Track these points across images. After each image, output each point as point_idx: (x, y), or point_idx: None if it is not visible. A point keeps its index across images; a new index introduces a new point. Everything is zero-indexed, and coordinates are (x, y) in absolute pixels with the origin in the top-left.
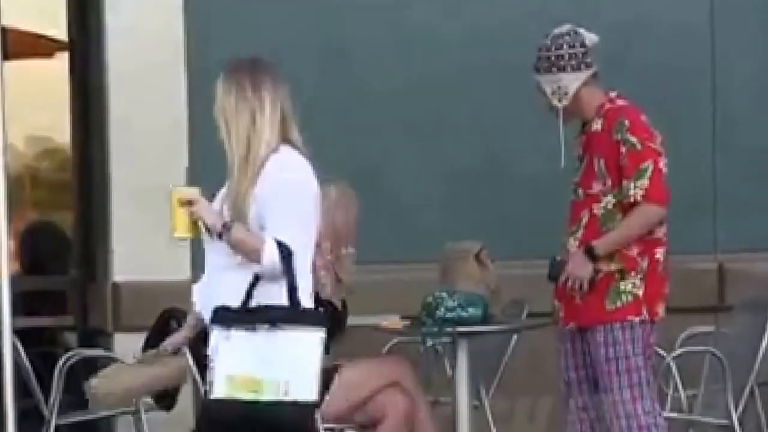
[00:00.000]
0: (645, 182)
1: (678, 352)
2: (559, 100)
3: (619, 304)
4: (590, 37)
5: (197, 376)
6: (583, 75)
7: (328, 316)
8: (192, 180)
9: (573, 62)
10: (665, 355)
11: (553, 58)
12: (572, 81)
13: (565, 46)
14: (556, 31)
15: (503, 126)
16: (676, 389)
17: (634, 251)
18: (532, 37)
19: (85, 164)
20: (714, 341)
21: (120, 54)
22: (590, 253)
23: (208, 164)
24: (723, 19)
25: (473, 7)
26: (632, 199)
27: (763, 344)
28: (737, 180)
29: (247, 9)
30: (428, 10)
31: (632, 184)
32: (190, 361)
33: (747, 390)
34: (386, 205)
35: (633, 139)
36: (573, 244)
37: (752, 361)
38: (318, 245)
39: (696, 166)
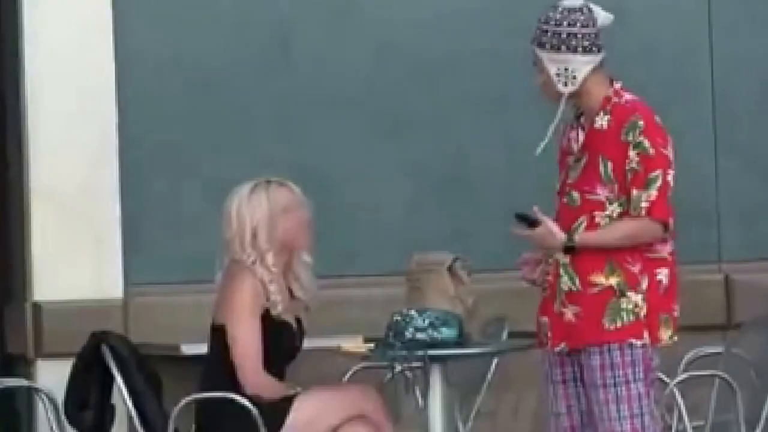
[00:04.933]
0: (653, 194)
1: (682, 376)
2: (565, 84)
3: (619, 323)
4: (605, 17)
5: (131, 407)
6: (595, 59)
7: (282, 337)
8: (122, 184)
9: (585, 43)
10: (668, 380)
11: (564, 35)
12: (583, 64)
13: (578, 24)
14: (568, 4)
15: (476, 123)
16: (680, 419)
17: (636, 267)
18: (501, 23)
19: (0, 169)
20: (723, 364)
21: (40, 50)
22: (569, 247)
23: (140, 168)
24: (721, 6)
25: None
26: (642, 212)
27: None
28: (742, 181)
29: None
30: None
31: (643, 195)
32: (124, 392)
33: (762, 419)
34: (343, 212)
35: (646, 144)
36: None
37: (767, 386)
38: (261, 258)
39: (696, 167)
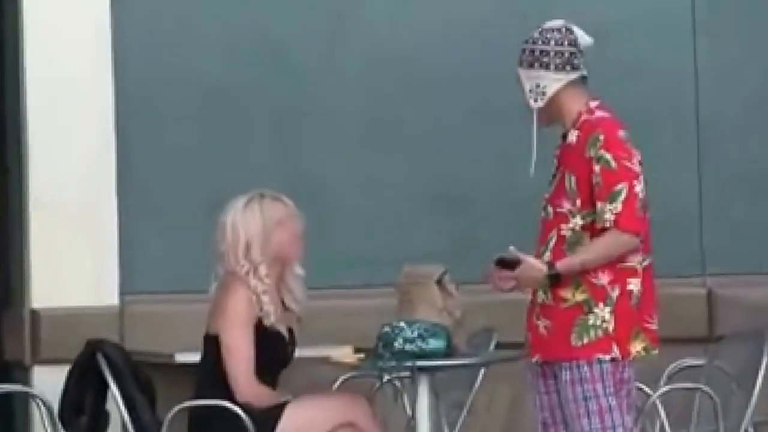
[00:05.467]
0: (618, 206)
1: (664, 389)
2: (535, 100)
3: (586, 340)
4: (583, 38)
5: (125, 413)
6: (567, 77)
7: (274, 347)
8: (120, 194)
9: (557, 60)
10: (650, 392)
11: (537, 52)
12: (553, 81)
13: (552, 42)
14: (548, 24)
15: (467, 136)
16: (662, 430)
17: (604, 280)
18: (497, 37)
19: None
20: (705, 376)
21: (41, 61)
22: (552, 275)
23: (137, 178)
24: (705, 24)
25: (430, 3)
26: (606, 224)
27: (759, 379)
28: (726, 195)
29: (178, 6)
30: (379, 2)
31: (606, 207)
32: (118, 399)
33: (742, 431)
34: (336, 223)
35: (607, 157)
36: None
37: (747, 399)
38: (255, 269)
39: (679, 179)
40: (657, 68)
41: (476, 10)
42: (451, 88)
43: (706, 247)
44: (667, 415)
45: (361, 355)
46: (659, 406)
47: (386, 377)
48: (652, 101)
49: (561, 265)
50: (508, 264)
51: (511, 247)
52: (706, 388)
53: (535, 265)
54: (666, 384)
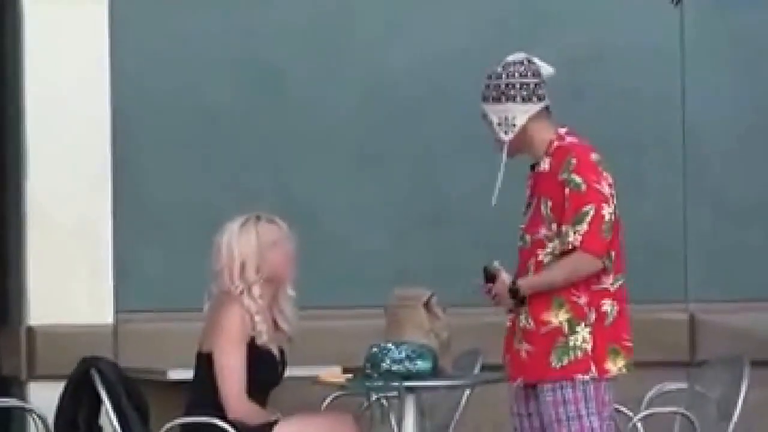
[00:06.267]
0: (584, 227)
1: (645, 412)
2: (506, 133)
3: (566, 361)
4: (545, 69)
5: (118, 429)
6: (533, 107)
7: (266, 366)
8: (116, 213)
9: (524, 92)
10: (631, 415)
11: (502, 86)
12: (521, 113)
13: (516, 75)
14: (510, 58)
15: (455, 162)
16: None
17: (582, 300)
18: (486, 65)
19: None
20: (686, 400)
21: (39, 76)
22: (513, 290)
23: (133, 198)
24: (694, 52)
25: (422, 31)
26: (570, 246)
27: (739, 404)
28: (710, 222)
29: (173, 27)
30: (372, 31)
31: (571, 230)
32: (111, 414)
33: None
34: (326, 246)
35: (578, 180)
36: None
37: (727, 424)
38: (249, 289)
39: (665, 206)
40: (645, 95)
41: (467, 39)
42: (438, 115)
43: (689, 273)
44: None
45: (350, 375)
46: (640, 429)
47: (374, 397)
48: (640, 128)
49: (523, 281)
50: (490, 276)
51: (495, 262)
52: (686, 413)
53: (506, 281)
54: (647, 407)
